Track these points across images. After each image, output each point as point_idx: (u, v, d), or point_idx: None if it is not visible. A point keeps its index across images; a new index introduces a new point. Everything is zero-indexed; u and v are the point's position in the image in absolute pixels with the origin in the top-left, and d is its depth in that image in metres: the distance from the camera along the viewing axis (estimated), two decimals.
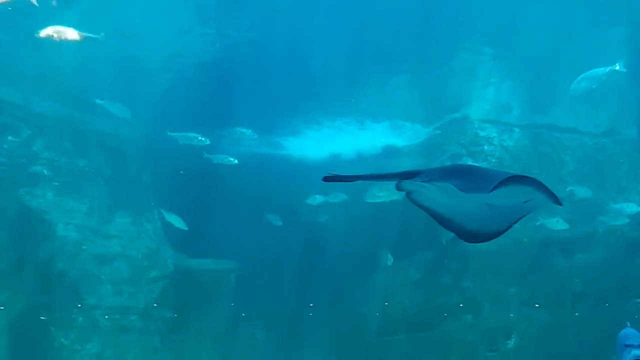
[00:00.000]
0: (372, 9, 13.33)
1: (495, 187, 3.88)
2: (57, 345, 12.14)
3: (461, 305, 13.12)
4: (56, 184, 12.65)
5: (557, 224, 12.50)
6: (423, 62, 14.19)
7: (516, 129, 13.89)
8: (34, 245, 12.26)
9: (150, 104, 13.49)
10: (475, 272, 13.15)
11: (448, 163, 13.66)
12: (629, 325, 5.59)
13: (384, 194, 13.11)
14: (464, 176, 4.16)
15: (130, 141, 13.69)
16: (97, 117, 13.14)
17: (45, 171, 12.56)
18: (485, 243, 4.50)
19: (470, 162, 13.38)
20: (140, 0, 12.64)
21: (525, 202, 4.13)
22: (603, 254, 13.22)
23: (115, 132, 13.43)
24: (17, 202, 12.23)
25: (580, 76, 12.95)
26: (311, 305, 14.26)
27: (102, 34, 11.64)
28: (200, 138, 13.21)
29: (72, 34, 11.41)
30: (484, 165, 13.23)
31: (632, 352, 5.16)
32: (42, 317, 12.04)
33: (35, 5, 11.29)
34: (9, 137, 12.29)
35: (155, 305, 13.09)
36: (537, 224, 12.39)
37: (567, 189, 12.94)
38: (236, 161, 13.53)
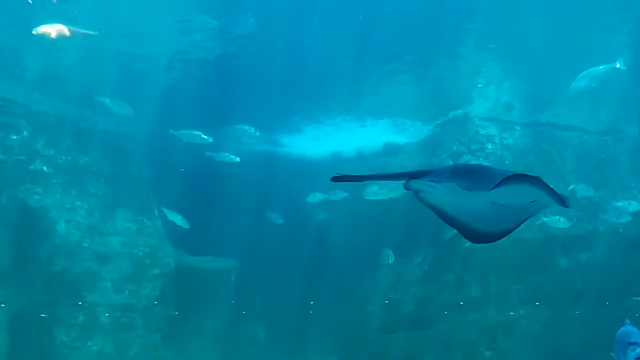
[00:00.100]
0: (374, 7, 13.32)
1: (496, 186, 3.87)
2: (58, 342, 12.16)
3: (461, 303, 13.12)
4: (57, 181, 12.67)
5: (559, 222, 12.49)
6: (424, 60, 14.19)
7: (517, 127, 13.88)
8: (34, 242, 12.28)
9: (151, 102, 13.48)
10: (477, 270, 13.15)
11: (449, 161, 13.66)
12: (628, 323, 5.57)
13: (384, 191, 13.11)
14: (469, 175, 4.15)
15: (131, 138, 13.69)
16: (98, 114, 13.14)
17: (46, 169, 12.57)
18: None
19: (470, 160, 13.39)
20: None
21: (532, 201, 4.12)
22: (604, 252, 13.21)
23: (115, 129, 13.43)
24: (18, 199, 12.25)
25: (580, 74, 12.94)
26: (312, 302, 14.26)
27: (97, 32, 11.62)
28: (203, 136, 13.22)
29: (68, 30, 11.39)
30: (484, 163, 13.22)
31: (637, 350, 5.14)
32: (42, 315, 12.06)
33: (36, 4, 11.29)
34: (10, 135, 12.30)
35: (155, 302, 13.10)
36: (539, 222, 12.39)
37: (570, 188, 12.91)
38: (238, 159, 13.54)
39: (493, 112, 13.99)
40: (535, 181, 3.93)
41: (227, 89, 13.96)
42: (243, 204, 13.86)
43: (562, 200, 4.07)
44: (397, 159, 14.50)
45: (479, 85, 14.13)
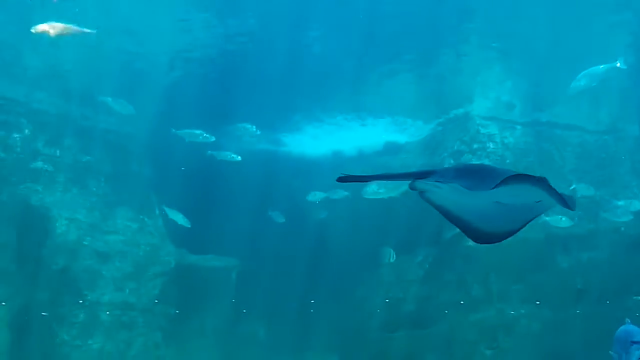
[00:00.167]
0: (375, 5, 13.32)
1: (499, 186, 3.88)
2: (59, 341, 12.17)
3: (462, 302, 13.12)
4: (58, 180, 12.68)
5: (561, 221, 12.48)
6: (425, 59, 14.18)
7: (518, 126, 13.87)
8: (35, 241, 12.29)
9: (151, 100, 13.48)
10: (478, 269, 13.14)
11: (450, 160, 13.66)
12: (629, 322, 5.56)
13: (383, 190, 13.11)
14: (474, 176, 4.16)
15: (132, 137, 13.69)
16: (99, 113, 13.15)
17: (47, 167, 12.57)
18: None
19: (471, 159, 13.39)
20: None
21: (537, 202, 4.13)
22: (605, 251, 13.21)
23: (116, 128, 13.43)
24: (19, 198, 12.26)
25: (581, 74, 12.94)
26: (312, 301, 14.27)
27: (95, 30, 11.62)
28: (205, 135, 13.24)
29: (67, 29, 11.39)
30: (485, 162, 13.22)
31: None
32: (43, 313, 12.07)
33: (36, 2, 11.29)
34: (11, 134, 12.31)
35: (156, 301, 13.11)
36: (541, 221, 12.37)
37: (571, 187, 12.90)
38: (239, 158, 13.56)
39: (494, 111, 13.98)
40: (538, 182, 3.93)
41: (228, 87, 13.96)
42: (243, 203, 13.86)
43: (564, 201, 4.07)
44: (398, 158, 14.50)
45: (480, 84, 14.12)
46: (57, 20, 11.48)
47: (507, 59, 14.04)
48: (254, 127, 13.77)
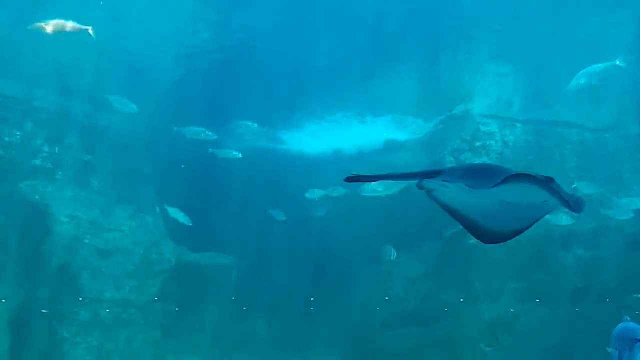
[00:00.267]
0: (376, 3, 13.32)
1: (506, 185, 3.90)
2: (59, 338, 12.18)
3: (462, 300, 13.12)
4: (58, 177, 12.68)
5: (562, 219, 12.48)
6: (425, 57, 14.17)
7: (518, 124, 13.87)
8: (35, 238, 12.29)
9: (152, 98, 13.47)
10: (479, 266, 13.14)
11: (450, 158, 13.65)
12: (629, 319, 5.55)
13: (381, 189, 13.11)
14: (482, 175, 4.16)
15: (132, 135, 13.69)
16: (100, 111, 13.15)
17: (47, 165, 12.58)
18: None
19: (471, 157, 13.38)
20: None
21: (544, 202, 4.13)
22: (606, 249, 13.21)
23: (117, 126, 13.43)
24: (19, 195, 12.27)
25: (580, 72, 12.94)
26: (313, 299, 14.28)
27: (92, 26, 11.61)
28: (207, 133, 13.27)
29: (64, 26, 11.37)
30: (485, 160, 13.23)
31: None
32: (43, 311, 12.08)
33: (37, 1, 11.30)
34: (11, 131, 12.31)
35: (156, 299, 13.12)
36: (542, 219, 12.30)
37: (573, 186, 12.89)
38: (240, 155, 13.59)
39: (494, 109, 13.98)
40: (544, 183, 3.94)
41: (227, 85, 13.95)
42: (243, 201, 13.87)
43: (568, 204, 4.07)
44: (398, 156, 14.49)
45: (480, 82, 14.11)
46: (59, 18, 11.48)
47: (507, 57, 14.02)
48: (255, 124, 13.79)
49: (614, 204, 13.19)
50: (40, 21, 11.39)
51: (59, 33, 11.34)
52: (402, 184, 12.39)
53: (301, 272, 13.93)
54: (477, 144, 13.70)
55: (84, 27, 11.54)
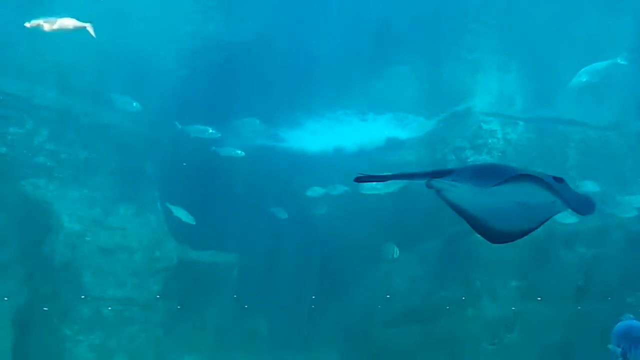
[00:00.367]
0: (376, 1, 13.31)
1: (513, 185, 3.92)
2: (61, 336, 12.20)
3: (463, 298, 13.12)
4: (59, 175, 12.69)
5: (565, 217, 12.46)
6: (426, 54, 14.17)
7: (520, 122, 13.85)
8: (37, 236, 12.30)
9: (153, 96, 13.48)
10: (480, 264, 13.14)
11: (452, 156, 13.64)
12: (632, 317, 5.52)
13: (380, 186, 13.10)
14: (491, 175, 4.16)
15: (134, 133, 13.69)
16: (101, 109, 13.15)
17: (48, 162, 12.59)
18: None
19: (473, 155, 13.37)
20: None
21: (553, 201, 4.14)
22: (607, 247, 13.20)
23: (118, 124, 13.43)
24: (20, 193, 12.28)
25: (582, 70, 12.92)
26: (314, 297, 14.28)
27: (93, 25, 11.60)
28: (210, 131, 13.27)
29: (61, 23, 11.35)
30: (487, 158, 13.22)
31: None
32: (45, 308, 12.10)
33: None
34: (12, 129, 12.32)
35: (158, 296, 13.13)
36: None
37: (575, 184, 12.87)
38: (243, 153, 13.60)
39: (496, 107, 13.96)
40: (551, 185, 3.95)
41: (228, 82, 13.95)
42: (244, 198, 13.88)
43: (573, 206, 4.07)
44: (400, 154, 14.47)
45: (482, 80, 14.10)
46: (61, 16, 11.47)
47: (509, 54, 14.01)
48: (258, 121, 13.79)
49: (616, 201, 13.18)
50: (40, 18, 11.38)
51: (57, 31, 11.32)
52: (401, 182, 12.39)
53: (302, 270, 13.93)
54: (479, 141, 13.68)
55: (83, 25, 11.52)
